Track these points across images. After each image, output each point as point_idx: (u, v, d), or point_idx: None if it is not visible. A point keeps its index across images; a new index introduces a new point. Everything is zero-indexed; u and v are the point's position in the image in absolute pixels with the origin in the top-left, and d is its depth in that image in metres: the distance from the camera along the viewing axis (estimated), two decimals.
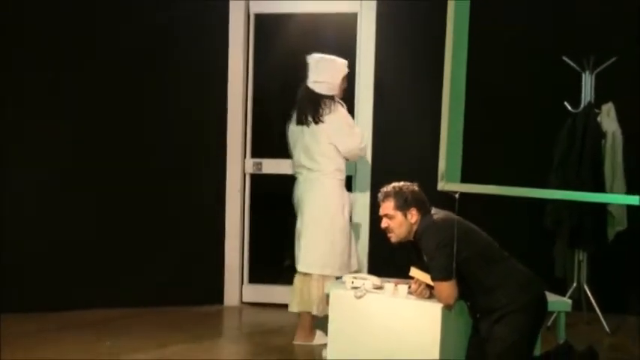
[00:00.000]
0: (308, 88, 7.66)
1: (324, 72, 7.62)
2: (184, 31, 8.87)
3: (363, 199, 9.07)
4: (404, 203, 6.19)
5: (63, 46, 8.52)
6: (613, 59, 8.10)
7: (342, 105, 7.64)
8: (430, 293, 6.25)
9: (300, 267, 7.64)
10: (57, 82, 8.51)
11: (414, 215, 6.19)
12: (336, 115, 7.44)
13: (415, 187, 6.31)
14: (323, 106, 7.54)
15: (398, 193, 6.23)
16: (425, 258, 6.10)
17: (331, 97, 7.55)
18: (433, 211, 6.20)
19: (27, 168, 8.46)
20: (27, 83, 8.46)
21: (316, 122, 7.53)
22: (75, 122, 8.60)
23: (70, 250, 8.53)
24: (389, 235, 6.32)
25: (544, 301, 6.03)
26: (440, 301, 5.98)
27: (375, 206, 8.83)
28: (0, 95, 8.34)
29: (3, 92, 8.34)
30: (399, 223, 6.23)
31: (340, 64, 7.65)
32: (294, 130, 7.80)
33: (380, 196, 6.33)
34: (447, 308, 6.00)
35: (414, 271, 6.16)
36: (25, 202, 8.46)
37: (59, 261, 8.49)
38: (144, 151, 8.79)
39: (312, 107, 7.59)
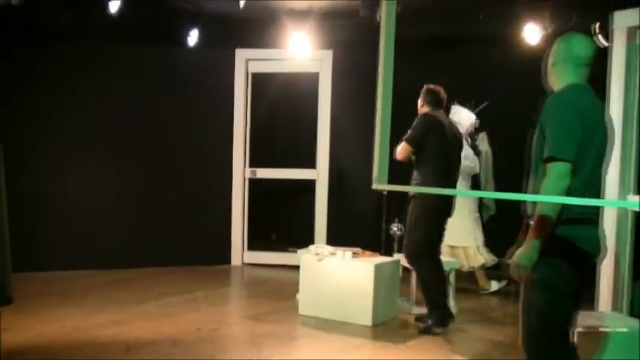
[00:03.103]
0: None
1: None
2: (207, 82, 8.84)
3: (323, 193, 9.05)
4: (420, 95, 6.48)
5: (129, 86, 8.50)
6: (485, 103, 8.25)
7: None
8: None
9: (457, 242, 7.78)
10: (122, 107, 8.50)
11: (423, 105, 6.45)
12: None
13: (435, 88, 6.50)
14: None
15: (422, 90, 6.49)
16: None
17: None
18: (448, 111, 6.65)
19: (104, 169, 8.47)
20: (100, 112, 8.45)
21: None
22: (137, 142, 8.58)
23: (128, 225, 8.53)
24: None
25: (442, 205, 6.27)
26: (397, 155, 6.19)
27: (331, 198, 8.99)
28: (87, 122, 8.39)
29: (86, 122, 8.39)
30: (418, 108, 6.48)
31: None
32: None
33: None
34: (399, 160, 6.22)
35: None
36: (95, 190, 8.42)
37: (119, 232, 8.48)
38: (180, 162, 8.75)
39: None
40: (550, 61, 3.86)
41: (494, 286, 7.91)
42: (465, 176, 7.70)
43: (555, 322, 3.64)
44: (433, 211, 6.29)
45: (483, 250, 7.79)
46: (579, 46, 3.79)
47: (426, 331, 6.22)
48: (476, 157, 7.83)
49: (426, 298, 6.39)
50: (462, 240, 7.76)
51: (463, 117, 7.79)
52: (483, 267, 7.85)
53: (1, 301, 6.35)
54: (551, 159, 3.53)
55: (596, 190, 3.69)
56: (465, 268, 7.74)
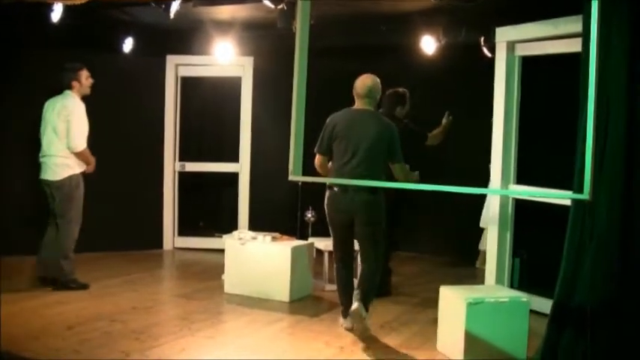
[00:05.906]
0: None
1: None
2: (140, 85, 8.72)
3: (245, 184, 9.04)
4: None
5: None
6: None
7: None
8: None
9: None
10: None
11: None
12: None
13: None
14: None
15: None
16: None
17: None
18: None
19: None
20: None
21: None
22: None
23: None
24: None
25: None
26: None
27: (252, 189, 9.00)
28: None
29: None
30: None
31: None
32: None
33: None
34: None
35: None
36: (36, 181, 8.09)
37: None
38: (116, 158, 8.37)
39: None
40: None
41: None
42: None
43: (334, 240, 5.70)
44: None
45: None
46: (358, 84, 5.50)
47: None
48: None
49: None
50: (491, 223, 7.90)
51: None
52: None
53: None
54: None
55: (352, 171, 5.36)
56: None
